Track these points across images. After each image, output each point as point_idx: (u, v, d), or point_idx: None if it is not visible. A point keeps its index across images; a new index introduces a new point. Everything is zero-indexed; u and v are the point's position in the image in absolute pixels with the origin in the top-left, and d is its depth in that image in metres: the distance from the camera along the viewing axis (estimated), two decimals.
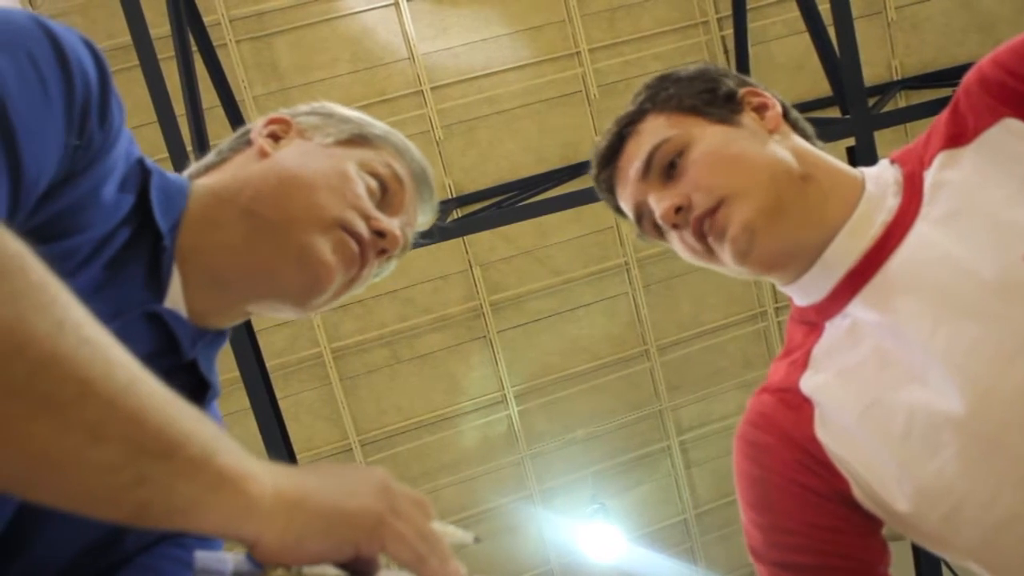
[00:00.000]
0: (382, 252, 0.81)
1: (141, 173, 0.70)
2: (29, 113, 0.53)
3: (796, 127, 0.94)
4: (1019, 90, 0.79)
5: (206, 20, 4.40)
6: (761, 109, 0.92)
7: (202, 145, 3.68)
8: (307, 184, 0.75)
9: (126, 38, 3.38)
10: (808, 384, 0.88)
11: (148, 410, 0.43)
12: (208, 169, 0.82)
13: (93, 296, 0.42)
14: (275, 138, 0.82)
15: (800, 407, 0.87)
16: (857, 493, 0.83)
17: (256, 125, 0.84)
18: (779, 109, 0.93)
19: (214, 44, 4.46)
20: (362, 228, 0.77)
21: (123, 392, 0.42)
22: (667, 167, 0.89)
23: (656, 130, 0.91)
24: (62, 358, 0.40)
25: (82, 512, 0.43)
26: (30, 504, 0.42)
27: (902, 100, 5.47)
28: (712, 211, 0.85)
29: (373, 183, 0.80)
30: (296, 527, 0.50)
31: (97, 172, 0.62)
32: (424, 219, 0.91)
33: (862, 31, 4.05)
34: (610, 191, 0.98)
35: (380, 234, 0.79)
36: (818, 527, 0.85)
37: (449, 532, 0.62)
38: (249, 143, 0.82)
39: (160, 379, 0.46)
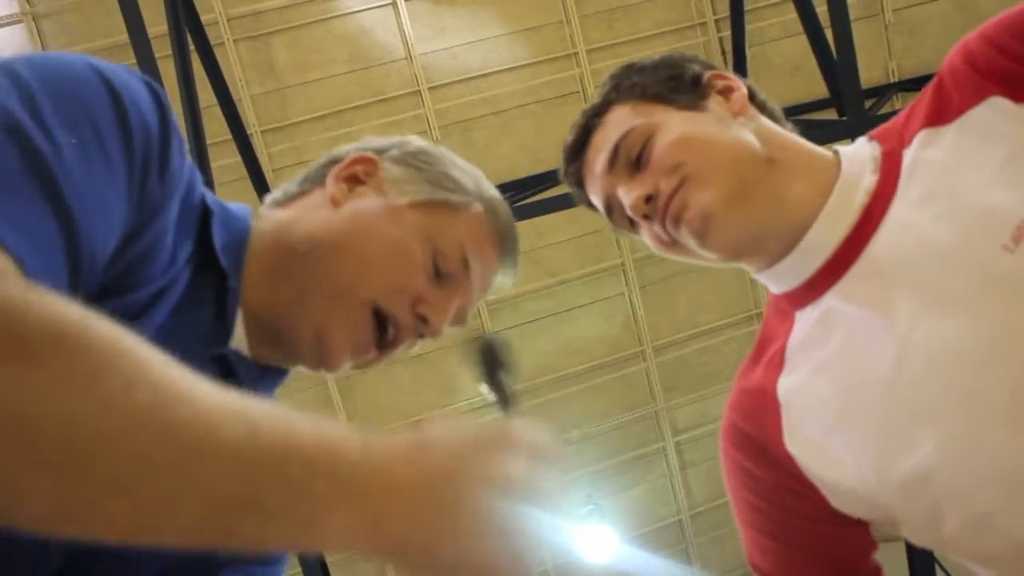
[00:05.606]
0: (420, 336, 0.77)
1: (202, 212, 0.68)
2: (90, 187, 0.50)
3: (764, 109, 0.91)
4: (1007, 67, 0.75)
5: (203, 19, 4.39)
6: (727, 92, 0.90)
7: (199, 143, 3.68)
8: (359, 256, 0.72)
9: (123, 36, 3.37)
10: (784, 386, 0.86)
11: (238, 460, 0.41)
12: (289, 200, 0.79)
13: (161, 342, 0.42)
14: (353, 180, 0.78)
15: (766, 415, 0.86)
16: (835, 503, 0.83)
17: (343, 158, 0.80)
18: (744, 91, 0.90)
19: (211, 43, 4.45)
20: (401, 312, 0.74)
21: (234, 451, 0.41)
22: (634, 158, 0.86)
23: (621, 121, 0.88)
24: (168, 425, 0.39)
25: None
26: (84, 542, 0.41)
27: (899, 102, 5.48)
28: (674, 193, 0.83)
29: (430, 264, 0.75)
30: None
31: (159, 224, 0.60)
32: (505, 280, 0.86)
33: (859, 33, 4.05)
34: (579, 185, 0.95)
35: (423, 319, 0.75)
36: (816, 549, 0.87)
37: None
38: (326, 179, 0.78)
39: None
